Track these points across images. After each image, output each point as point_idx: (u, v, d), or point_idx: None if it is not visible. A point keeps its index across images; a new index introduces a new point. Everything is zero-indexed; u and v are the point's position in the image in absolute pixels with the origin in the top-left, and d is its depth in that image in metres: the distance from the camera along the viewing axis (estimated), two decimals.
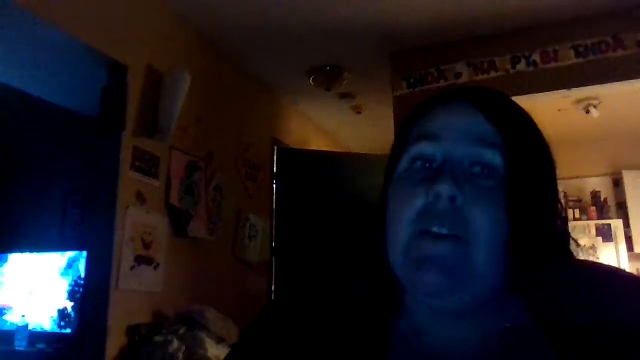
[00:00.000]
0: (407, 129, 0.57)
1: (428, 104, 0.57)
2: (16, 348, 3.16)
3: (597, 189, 4.78)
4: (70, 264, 3.34)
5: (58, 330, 3.23)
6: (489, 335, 0.51)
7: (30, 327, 3.26)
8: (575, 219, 4.66)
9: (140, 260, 2.29)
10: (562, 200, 0.58)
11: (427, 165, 0.51)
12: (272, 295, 3.38)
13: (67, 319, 3.23)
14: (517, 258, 0.49)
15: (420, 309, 0.54)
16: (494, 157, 0.49)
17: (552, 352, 0.48)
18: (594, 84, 2.77)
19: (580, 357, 0.46)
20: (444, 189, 0.47)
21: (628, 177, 4.58)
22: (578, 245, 0.56)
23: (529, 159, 0.51)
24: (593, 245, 4.51)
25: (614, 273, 0.54)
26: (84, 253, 3.05)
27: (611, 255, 4.44)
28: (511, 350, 0.50)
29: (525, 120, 0.55)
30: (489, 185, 0.49)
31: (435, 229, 0.48)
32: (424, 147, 0.52)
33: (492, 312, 0.52)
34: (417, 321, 0.54)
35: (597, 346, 0.46)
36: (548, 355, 0.48)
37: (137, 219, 2.30)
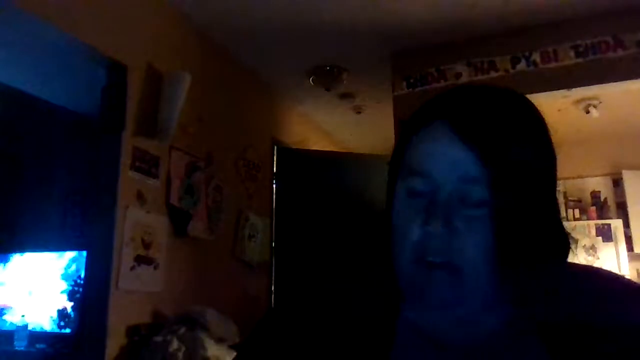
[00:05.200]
0: (405, 138, 0.60)
1: (422, 117, 0.59)
2: (16, 348, 3.15)
3: (597, 189, 4.77)
4: (70, 264, 3.34)
5: (58, 331, 3.23)
6: (487, 332, 0.58)
7: (30, 328, 3.26)
8: (575, 219, 4.64)
9: (140, 260, 2.29)
10: (562, 200, 0.60)
11: (421, 193, 0.56)
12: (272, 296, 3.38)
13: (67, 319, 3.23)
14: (509, 273, 0.55)
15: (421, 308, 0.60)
16: (479, 191, 0.53)
17: (543, 348, 0.54)
18: (594, 84, 2.78)
19: (569, 354, 0.53)
20: (435, 230, 0.53)
21: (628, 177, 4.56)
22: (574, 240, 0.61)
23: (516, 184, 0.53)
24: (593, 245, 4.50)
25: (602, 276, 0.61)
26: (84, 253, 3.04)
27: (611, 255, 4.43)
28: (507, 344, 0.56)
29: (517, 131, 0.54)
30: (476, 214, 0.53)
31: (430, 258, 0.54)
32: (416, 184, 0.56)
33: (489, 314, 0.58)
34: (419, 313, 0.61)
35: (585, 343, 0.53)
36: (539, 350, 0.54)
37: (137, 219, 2.30)
